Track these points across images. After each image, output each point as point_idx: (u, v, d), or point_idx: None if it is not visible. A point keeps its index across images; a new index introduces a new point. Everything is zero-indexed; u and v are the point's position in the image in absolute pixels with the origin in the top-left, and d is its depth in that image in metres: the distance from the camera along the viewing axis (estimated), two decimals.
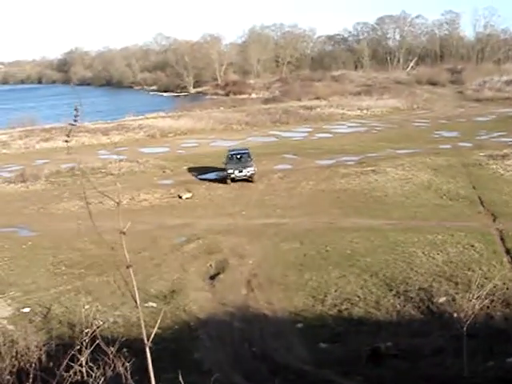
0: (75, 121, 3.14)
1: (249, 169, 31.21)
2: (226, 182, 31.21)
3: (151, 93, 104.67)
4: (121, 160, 36.93)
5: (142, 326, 3.13)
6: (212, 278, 18.97)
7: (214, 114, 57.68)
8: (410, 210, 23.45)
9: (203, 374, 11.79)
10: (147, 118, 57.77)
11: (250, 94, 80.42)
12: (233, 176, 31.11)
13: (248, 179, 31.17)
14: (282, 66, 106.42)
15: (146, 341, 3.01)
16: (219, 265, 19.67)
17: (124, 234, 3.06)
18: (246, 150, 33.98)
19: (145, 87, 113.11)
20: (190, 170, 34.27)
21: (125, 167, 35.10)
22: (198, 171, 33.80)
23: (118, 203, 3.39)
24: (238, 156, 32.62)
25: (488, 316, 14.78)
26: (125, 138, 47.33)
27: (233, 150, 33.98)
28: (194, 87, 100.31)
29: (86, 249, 21.37)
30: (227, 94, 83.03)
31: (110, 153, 40.37)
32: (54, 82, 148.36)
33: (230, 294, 17.39)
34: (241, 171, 31.14)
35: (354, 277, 17.65)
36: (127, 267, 3.03)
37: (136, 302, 2.93)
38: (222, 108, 63.83)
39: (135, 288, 2.97)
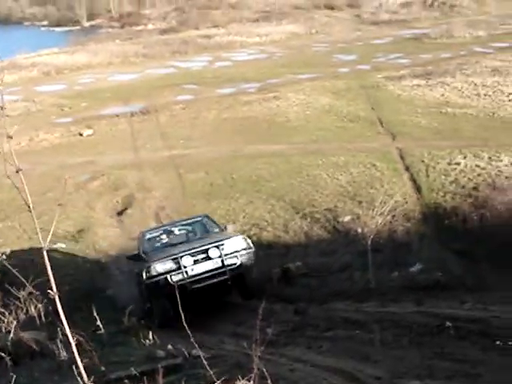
0: None
1: (230, 257, 11.24)
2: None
3: (42, 28, 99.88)
4: (15, 100, 35.44)
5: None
6: (119, 213, 18.83)
7: (110, 47, 55.81)
8: (313, 134, 23.77)
9: (118, 309, 11.82)
10: (40, 55, 55.28)
11: (146, 25, 78.15)
12: (177, 279, 10.93)
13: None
14: None
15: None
16: (126, 200, 19.49)
17: (11, 137, 2.97)
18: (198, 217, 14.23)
19: (35, 22, 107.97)
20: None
21: (20, 108, 33.67)
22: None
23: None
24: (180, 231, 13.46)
25: (391, 230, 15.43)
26: (18, 77, 45.30)
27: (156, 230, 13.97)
28: (87, 20, 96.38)
29: None
30: (122, 26, 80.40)
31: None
32: None
33: (139, 228, 17.30)
34: (197, 260, 11.18)
35: (261, 202, 17.91)
36: (17, 171, 2.94)
37: (29, 206, 2.87)
38: (117, 41, 61.85)
39: (28, 195, 2.89)
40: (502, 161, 18.50)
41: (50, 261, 2.91)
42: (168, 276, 10.94)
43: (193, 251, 11.25)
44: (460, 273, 12.90)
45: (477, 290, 10.98)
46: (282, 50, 47.77)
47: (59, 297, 3.15)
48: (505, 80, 28.78)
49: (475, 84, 28.64)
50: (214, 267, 11.16)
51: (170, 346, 7.48)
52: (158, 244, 13.10)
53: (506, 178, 17.37)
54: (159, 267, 11.10)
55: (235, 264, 11.24)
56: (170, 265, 11.15)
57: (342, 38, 51.73)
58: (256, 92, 32.14)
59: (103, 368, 6.17)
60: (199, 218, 14.18)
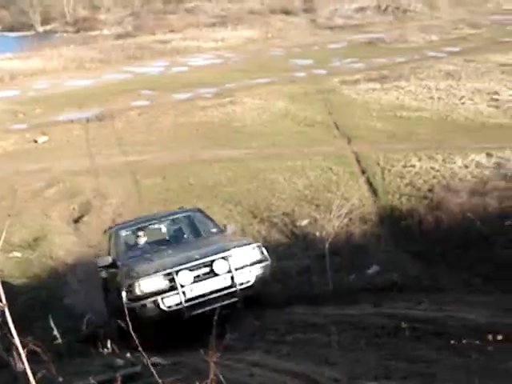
0: None
1: (242, 273, 8.85)
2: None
3: None
4: None
5: None
6: (76, 221, 18.63)
7: (65, 52, 55.25)
8: (269, 138, 23.86)
9: (76, 318, 11.71)
10: None
11: (101, 30, 77.57)
12: (171, 303, 8.48)
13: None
14: None
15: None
16: (82, 207, 19.30)
17: None
18: (187, 211, 11.80)
19: None
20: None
21: None
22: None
23: None
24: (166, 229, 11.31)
25: (348, 233, 15.58)
26: None
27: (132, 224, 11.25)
28: (41, 25, 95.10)
29: None
30: (77, 31, 79.62)
31: None
32: None
33: (97, 235, 17.16)
34: (198, 276, 8.62)
35: (219, 207, 17.88)
36: None
37: None
38: (72, 46, 61.20)
39: None
40: (455, 163, 18.82)
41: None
42: (159, 299, 8.38)
43: (192, 264, 8.58)
44: (416, 274, 13.07)
45: (432, 291, 11.16)
46: (238, 55, 47.88)
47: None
48: (457, 83, 29.31)
49: (429, 87, 29.11)
50: (220, 286, 8.68)
51: (128, 355, 7.44)
52: (138, 247, 10.40)
53: (460, 179, 17.67)
54: (146, 286, 8.43)
55: (249, 282, 8.86)
56: (160, 282, 8.48)
57: (297, 43, 52.05)
58: (212, 97, 32.13)
59: (61, 378, 6.10)
60: (189, 213, 11.41)
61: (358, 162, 20.38)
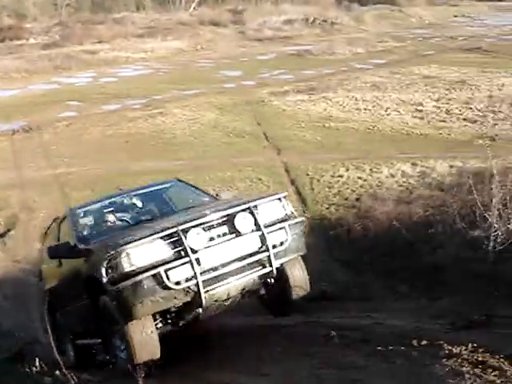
0: None
1: (275, 230, 6.56)
2: None
3: None
4: None
5: None
6: (2, 235, 18.21)
7: None
8: (199, 150, 23.85)
9: (4, 337, 11.47)
10: None
11: (27, 40, 75.82)
12: (181, 277, 5.88)
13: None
14: (60, 8, 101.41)
15: None
16: (8, 221, 18.84)
17: None
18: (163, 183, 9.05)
19: None
20: None
21: None
22: None
23: None
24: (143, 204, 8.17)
25: None
26: None
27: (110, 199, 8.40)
28: None
29: None
30: (2, 40, 77.65)
31: None
32: None
33: (23, 249, 16.84)
34: (213, 238, 6.17)
35: None
36: None
37: None
38: None
39: None
40: (382, 172, 19.25)
41: None
42: (161, 271, 5.86)
43: (205, 220, 6.16)
44: (345, 283, 13.31)
45: (361, 299, 11.39)
46: (167, 66, 47.67)
47: None
48: (383, 95, 29.99)
49: (356, 99, 29.66)
50: (247, 251, 6.37)
51: (57, 372, 7.31)
52: (108, 226, 7.61)
53: (387, 188, 18.09)
54: (139, 255, 5.84)
55: (283, 244, 6.59)
56: (161, 249, 5.95)
57: (226, 54, 52.22)
58: (141, 108, 31.85)
59: None
60: (168, 184, 8.84)
61: (288, 172, 20.60)
